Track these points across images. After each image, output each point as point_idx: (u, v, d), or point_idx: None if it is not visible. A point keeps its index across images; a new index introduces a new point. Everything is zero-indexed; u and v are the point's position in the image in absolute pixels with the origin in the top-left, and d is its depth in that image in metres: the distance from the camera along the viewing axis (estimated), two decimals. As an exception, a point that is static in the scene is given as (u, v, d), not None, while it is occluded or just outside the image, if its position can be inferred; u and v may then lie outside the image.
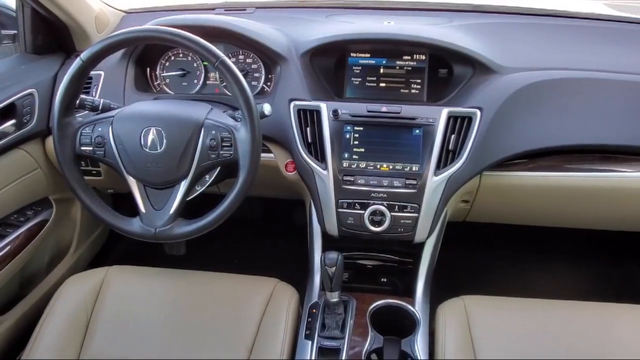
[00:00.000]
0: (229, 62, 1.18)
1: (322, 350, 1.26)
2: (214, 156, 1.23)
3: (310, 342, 1.28)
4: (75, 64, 1.20)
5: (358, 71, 1.53)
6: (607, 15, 1.79)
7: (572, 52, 1.56)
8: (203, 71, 1.61)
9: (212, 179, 1.31)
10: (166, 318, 1.33)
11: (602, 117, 1.41)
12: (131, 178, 1.26)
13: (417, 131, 1.38)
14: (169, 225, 1.24)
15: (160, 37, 1.18)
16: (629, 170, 1.45)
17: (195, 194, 1.31)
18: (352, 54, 1.53)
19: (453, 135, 1.36)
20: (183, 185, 1.25)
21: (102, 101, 1.34)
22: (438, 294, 1.44)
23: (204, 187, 1.31)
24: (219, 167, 1.29)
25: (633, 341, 1.24)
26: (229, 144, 1.22)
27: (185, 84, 1.62)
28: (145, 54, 1.59)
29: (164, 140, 1.22)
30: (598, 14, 1.78)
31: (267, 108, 1.29)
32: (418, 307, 1.41)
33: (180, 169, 1.23)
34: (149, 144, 1.23)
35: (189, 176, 1.24)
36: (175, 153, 1.22)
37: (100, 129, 1.25)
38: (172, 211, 1.24)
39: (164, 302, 1.37)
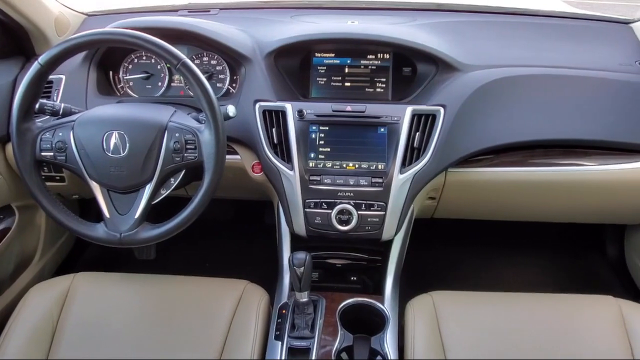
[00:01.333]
0: (191, 64, 1.17)
1: (292, 351, 1.26)
2: (178, 159, 1.22)
3: (280, 343, 1.28)
4: (33, 67, 1.17)
5: (323, 71, 1.53)
6: (566, 13, 1.84)
7: (532, 49, 1.60)
8: (167, 73, 1.59)
9: (177, 182, 1.30)
10: (135, 323, 1.32)
11: (562, 112, 1.44)
12: (94, 183, 1.24)
13: (382, 130, 1.39)
14: (135, 230, 1.23)
15: (120, 40, 1.17)
16: (590, 164, 1.48)
17: (160, 198, 1.29)
18: (316, 54, 1.54)
19: (418, 133, 1.37)
20: (148, 189, 1.23)
21: (62, 105, 1.32)
22: (408, 291, 1.46)
23: (169, 191, 1.30)
24: (184, 170, 1.28)
25: (594, 330, 1.27)
26: (193, 147, 1.21)
27: (150, 86, 1.60)
28: (108, 57, 1.56)
29: (127, 144, 1.21)
30: (557, 11, 1.83)
31: (231, 109, 1.28)
32: (387, 305, 1.41)
33: (144, 173, 1.22)
34: (111, 148, 1.21)
35: (154, 180, 1.23)
36: (138, 157, 1.21)
37: (60, 134, 1.23)
38: (137, 215, 1.23)
39: (133, 308, 1.36)
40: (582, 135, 1.42)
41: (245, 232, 2.33)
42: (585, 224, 1.87)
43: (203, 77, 1.18)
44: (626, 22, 1.72)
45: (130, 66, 1.60)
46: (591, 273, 2.15)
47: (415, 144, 1.37)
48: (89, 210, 2.12)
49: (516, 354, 1.23)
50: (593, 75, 1.48)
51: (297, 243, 1.51)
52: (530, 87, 1.46)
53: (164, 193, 1.29)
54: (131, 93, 1.61)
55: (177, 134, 1.21)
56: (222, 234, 2.35)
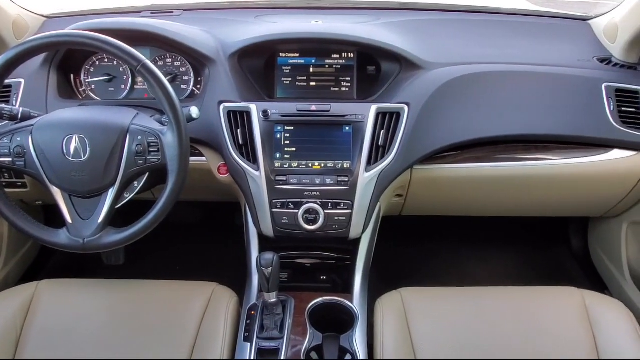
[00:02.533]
0: (152, 65, 1.16)
1: (261, 352, 1.26)
2: (141, 162, 1.21)
3: (249, 344, 1.27)
4: None
5: (288, 71, 1.53)
6: (527, 11, 1.88)
7: (494, 47, 1.62)
8: (130, 76, 1.57)
9: (141, 185, 1.28)
10: (101, 329, 1.30)
11: (523, 108, 1.46)
12: (55, 188, 1.22)
13: (347, 128, 1.40)
14: (98, 235, 1.21)
15: (78, 42, 1.15)
16: (552, 158, 1.51)
17: (124, 202, 1.28)
18: (281, 54, 1.53)
19: (382, 131, 1.38)
20: (111, 193, 1.22)
21: (21, 110, 1.29)
22: (379, 288, 1.46)
23: (132, 194, 1.28)
24: (148, 173, 1.26)
25: (559, 320, 1.30)
26: (156, 149, 1.20)
27: (112, 89, 1.58)
28: (68, 60, 1.54)
29: (88, 148, 1.19)
30: (519, 9, 1.87)
31: (194, 111, 1.27)
32: (356, 303, 1.42)
33: (106, 177, 1.21)
34: (72, 152, 1.19)
35: (117, 184, 1.21)
36: (100, 160, 1.19)
37: (19, 139, 1.21)
38: (100, 220, 1.21)
39: (99, 314, 1.33)
40: (543, 130, 1.45)
41: (216, 235, 2.31)
42: (550, 218, 1.90)
43: (164, 79, 1.16)
44: (584, 19, 1.77)
45: (92, 69, 1.57)
46: (557, 265, 2.19)
47: (381, 142, 1.37)
48: (54, 216, 2.08)
49: (483, 347, 1.25)
50: (553, 71, 1.51)
51: (265, 244, 1.51)
52: (492, 84, 1.48)
53: (128, 197, 1.28)
54: (93, 96, 1.58)
55: (139, 137, 1.20)
56: (193, 237, 2.34)
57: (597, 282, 1.97)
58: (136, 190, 1.28)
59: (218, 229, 2.33)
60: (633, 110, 1.46)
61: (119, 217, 1.29)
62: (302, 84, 1.53)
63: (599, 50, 1.63)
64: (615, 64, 1.57)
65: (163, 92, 1.15)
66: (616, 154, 1.47)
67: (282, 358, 1.24)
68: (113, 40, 1.14)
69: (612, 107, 1.45)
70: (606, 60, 1.58)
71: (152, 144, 1.20)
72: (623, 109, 1.46)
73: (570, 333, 1.27)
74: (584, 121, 1.46)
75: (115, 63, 1.57)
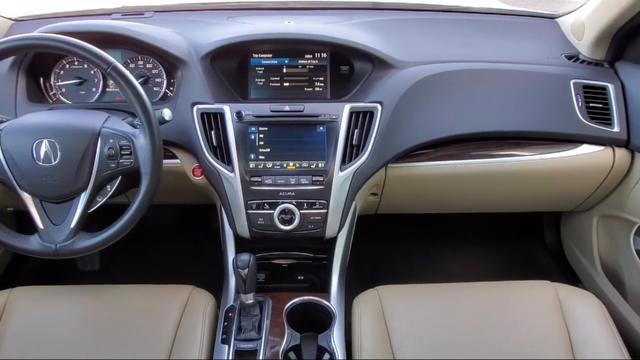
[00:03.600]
0: (122, 67, 1.15)
1: (239, 353, 1.26)
2: (113, 165, 1.20)
3: (226, 346, 1.27)
4: None
5: (261, 72, 1.53)
6: (497, 9, 1.91)
7: (465, 45, 1.64)
8: (101, 79, 1.55)
9: (113, 189, 1.26)
10: (76, 336, 1.28)
11: (494, 105, 1.49)
12: (25, 194, 1.20)
13: (321, 128, 1.40)
14: (71, 240, 1.20)
15: (46, 45, 1.13)
16: (524, 154, 1.54)
17: (97, 206, 1.26)
18: (254, 55, 1.53)
19: (356, 130, 1.39)
20: (83, 198, 1.20)
21: None
22: (356, 287, 1.47)
23: (105, 198, 1.26)
24: (121, 177, 1.25)
25: (533, 313, 1.32)
26: (128, 152, 1.19)
27: (83, 92, 1.56)
28: (38, 63, 1.51)
29: (58, 152, 1.17)
30: (489, 8, 1.89)
31: (167, 113, 1.26)
32: (333, 302, 1.42)
33: (78, 181, 1.19)
34: (42, 156, 1.17)
35: (89, 188, 1.20)
36: (71, 165, 1.18)
37: None
38: (72, 225, 1.20)
39: (73, 321, 1.32)
40: (514, 127, 1.47)
41: (193, 237, 2.30)
42: (524, 213, 1.94)
43: (135, 81, 1.15)
44: (552, 17, 1.80)
45: (61, 72, 1.55)
46: (532, 260, 2.23)
47: (355, 141, 1.38)
48: (27, 222, 2.05)
49: (458, 342, 1.26)
50: (522, 69, 1.54)
51: (242, 245, 1.51)
52: (464, 82, 1.50)
53: (101, 201, 1.26)
54: (64, 100, 1.56)
55: (111, 140, 1.19)
56: (169, 240, 2.32)
57: (570, 275, 2.01)
58: (109, 194, 1.26)
59: (195, 231, 2.32)
60: (600, 105, 1.49)
61: (94, 222, 1.28)
62: (275, 84, 1.53)
63: (567, 47, 1.66)
64: (583, 61, 1.60)
65: (134, 94, 1.15)
66: (585, 149, 1.50)
67: (260, 359, 1.24)
68: (82, 42, 1.13)
69: (580, 103, 1.48)
70: (574, 57, 1.62)
71: (124, 147, 1.19)
72: (591, 104, 1.49)
73: (545, 326, 1.29)
74: (553, 117, 1.48)
75: (85, 66, 1.55)
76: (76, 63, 1.55)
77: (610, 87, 1.50)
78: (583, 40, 1.61)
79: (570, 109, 1.48)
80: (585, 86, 1.50)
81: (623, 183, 1.57)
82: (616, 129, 1.47)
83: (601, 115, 1.48)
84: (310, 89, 1.53)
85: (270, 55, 1.53)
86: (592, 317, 1.31)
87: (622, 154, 1.50)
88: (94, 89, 1.56)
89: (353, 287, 1.52)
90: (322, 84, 1.53)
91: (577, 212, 1.88)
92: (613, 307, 1.65)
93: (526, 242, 2.30)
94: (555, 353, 1.23)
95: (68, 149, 1.18)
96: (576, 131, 1.48)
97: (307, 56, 1.53)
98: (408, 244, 2.28)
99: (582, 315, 1.31)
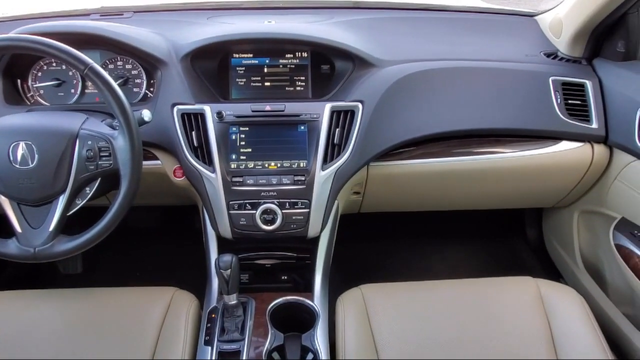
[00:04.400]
0: (99, 68, 1.14)
1: (222, 354, 1.25)
2: (92, 167, 1.18)
3: (209, 348, 1.26)
4: None
5: (242, 72, 1.52)
6: (477, 8, 1.92)
7: (445, 44, 1.65)
8: (80, 80, 1.54)
9: (93, 191, 1.25)
10: (57, 341, 1.26)
11: (474, 103, 1.50)
12: (2, 197, 1.19)
13: (302, 127, 1.40)
14: (50, 243, 1.18)
15: (21, 46, 1.12)
16: (505, 151, 1.55)
17: (76, 208, 1.24)
18: (234, 55, 1.52)
19: (337, 129, 1.39)
20: (62, 200, 1.19)
21: None
22: (341, 286, 1.46)
23: (85, 201, 1.25)
24: (100, 179, 1.24)
25: (515, 309, 1.32)
26: (107, 154, 1.18)
27: (62, 94, 1.54)
28: (14, 65, 1.49)
29: (36, 155, 1.16)
30: (469, 6, 1.91)
31: (146, 114, 1.25)
32: (317, 301, 1.42)
33: (56, 184, 1.18)
34: (19, 159, 1.16)
35: (67, 190, 1.19)
36: (49, 167, 1.17)
37: None
38: (51, 228, 1.18)
39: (55, 325, 1.30)
40: (494, 124, 1.48)
41: (176, 238, 2.29)
42: (507, 209, 1.95)
43: (112, 82, 1.14)
44: (531, 15, 1.82)
45: (39, 73, 1.53)
46: (514, 256, 2.25)
47: (336, 140, 1.38)
48: (5, 226, 2.02)
49: (442, 339, 1.26)
50: (502, 66, 1.55)
51: (224, 246, 1.50)
52: (444, 80, 1.51)
53: (80, 203, 1.24)
54: (42, 102, 1.54)
55: (89, 142, 1.18)
56: (152, 242, 2.30)
57: (552, 271, 2.03)
58: (88, 197, 1.25)
59: (178, 233, 2.30)
60: (579, 102, 1.50)
61: (76, 224, 1.26)
62: (256, 84, 1.52)
63: (546, 45, 1.68)
64: (561, 58, 1.62)
65: (112, 95, 1.13)
66: (564, 145, 1.52)
67: (244, 359, 1.23)
68: (58, 43, 1.12)
69: (559, 100, 1.50)
70: (552, 54, 1.63)
71: (103, 149, 1.18)
72: (569, 101, 1.50)
73: (527, 321, 1.30)
74: (533, 114, 1.50)
75: (64, 67, 1.53)
76: (54, 64, 1.53)
77: (588, 84, 1.52)
78: (561, 37, 1.62)
79: (550, 106, 1.50)
80: (564, 83, 1.52)
81: (602, 179, 1.59)
82: (594, 125, 1.49)
83: (580, 112, 1.50)
84: (292, 89, 1.53)
85: (251, 55, 1.53)
86: (573, 312, 1.32)
87: (600, 150, 1.52)
88: (72, 91, 1.54)
89: (337, 286, 1.52)
90: (303, 84, 1.53)
91: (558, 208, 1.89)
92: (594, 301, 1.67)
93: (509, 239, 2.32)
94: (538, 348, 1.24)
95: (45, 151, 1.16)
96: (555, 128, 1.49)
97: (288, 56, 1.53)
98: (392, 243, 2.29)
99: (563, 310, 1.32)
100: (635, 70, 1.49)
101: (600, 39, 1.58)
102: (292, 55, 1.53)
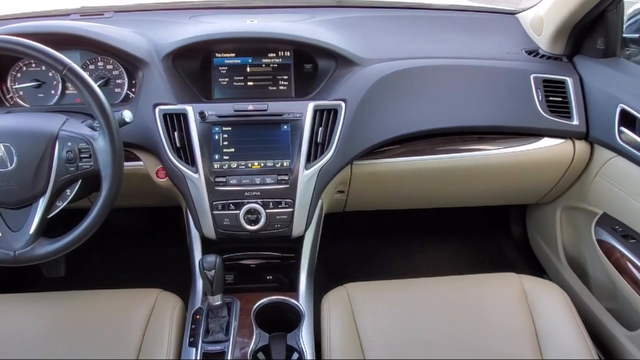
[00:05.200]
0: (78, 69, 1.12)
1: (206, 355, 1.24)
2: (72, 169, 1.17)
3: (194, 349, 1.26)
4: None
5: (225, 71, 1.52)
6: (459, 6, 1.93)
7: (428, 42, 1.66)
8: (60, 81, 1.52)
9: (73, 193, 1.24)
10: (41, 344, 1.25)
11: (456, 101, 1.50)
12: None
13: (285, 127, 1.40)
14: (30, 247, 1.17)
15: None
16: (488, 148, 1.55)
17: (57, 211, 1.23)
18: (217, 55, 1.52)
19: (320, 128, 1.39)
20: (42, 203, 1.17)
21: None
22: (327, 285, 1.46)
23: (65, 203, 1.23)
24: (81, 180, 1.22)
25: (499, 305, 1.33)
26: (87, 155, 1.17)
27: (42, 95, 1.52)
28: (-7, 66, 1.48)
29: (15, 157, 1.15)
30: (450, 4, 1.91)
31: (127, 115, 1.24)
32: (302, 301, 1.42)
33: (36, 186, 1.16)
34: None
35: (47, 192, 1.17)
36: (28, 169, 1.15)
37: None
38: (32, 231, 1.17)
39: (39, 328, 1.28)
40: (477, 121, 1.49)
41: (161, 240, 2.27)
42: (491, 206, 1.96)
43: (92, 82, 1.13)
44: (513, 13, 1.83)
45: (19, 74, 1.51)
46: (499, 253, 2.26)
47: (319, 139, 1.38)
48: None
49: (426, 336, 1.27)
50: (484, 64, 1.56)
51: (209, 246, 1.49)
52: (426, 78, 1.51)
53: (61, 205, 1.23)
54: (22, 103, 1.52)
55: (69, 143, 1.16)
56: (138, 244, 2.28)
57: (536, 267, 2.04)
58: (69, 199, 1.23)
59: (163, 234, 2.29)
60: (560, 99, 1.52)
61: (60, 226, 1.25)
62: (239, 83, 1.52)
63: (527, 42, 1.69)
64: (542, 56, 1.63)
65: (91, 95, 1.12)
66: (546, 142, 1.53)
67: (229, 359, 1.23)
68: (36, 44, 1.11)
69: (540, 97, 1.51)
70: (534, 52, 1.65)
71: (83, 150, 1.17)
72: (550, 98, 1.52)
73: (510, 317, 1.31)
74: (514, 111, 1.51)
75: (43, 68, 1.52)
76: (33, 65, 1.52)
77: (569, 81, 1.53)
78: (542, 35, 1.64)
79: (531, 103, 1.51)
80: (545, 80, 1.53)
81: (584, 175, 1.60)
82: (575, 122, 1.50)
83: (561, 108, 1.51)
84: (275, 88, 1.52)
85: (234, 55, 1.52)
86: (556, 308, 1.33)
87: (582, 146, 1.53)
88: (52, 92, 1.52)
89: (323, 285, 1.51)
90: (287, 83, 1.52)
91: (542, 204, 1.91)
92: (577, 296, 1.68)
93: (494, 236, 2.33)
94: (522, 344, 1.25)
95: (24, 154, 1.15)
96: (537, 125, 1.51)
97: (271, 55, 1.52)
98: (377, 241, 2.29)
99: (546, 306, 1.33)
100: (615, 66, 1.51)
101: (581, 36, 1.59)
102: (274, 55, 1.52)
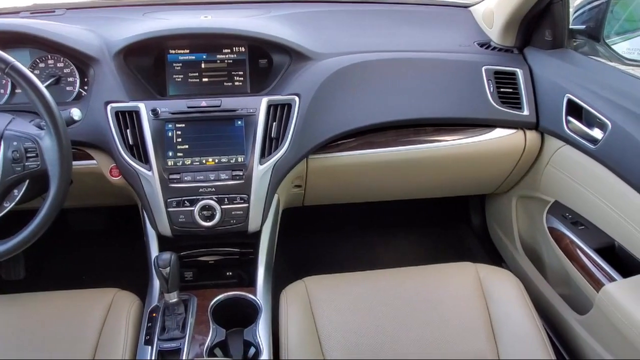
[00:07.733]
0: (21, 67, 1.10)
1: (162, 353, 1.23)
2: (19, 169, 1.15)
3: (149, 347, 1.25)
4: None
5: (179, 68, 1.50)
6: (414, 0, 1.94)
7: (381, 36, 1.67)
8: (9, 79, 1.49)
9: (21, 193, 1.22)
10: None
11: (411, 93, 1.52)
12: None
13: (239, 122, 1.40)
14: None
15: None
16: (442, 140, 1.58)
17: (4, 212, 1.21)
18: (171, 51, 1.50)
19: (274, 123, 1.39)
20: None
21: None
22: (288, 280, 1.47)
23: (13, 204, 1.21)
24: (28, 180, 1.20)
25: (455, 294, 1.36)
26: (34, 154, 1.15)
27: None
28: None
29: None
30: (406, -2, 1.92)
31: (76, 113, 1.23)
32: (259, 295, 1.42)
33: None
34: None
35: None
36: None
37: None
38: None
39: None
40: (430, 114, 1.51)
41: (122, 239, 2.24)
42: (452, 197, 1.99)
43: (36, 80, 1.11)
44: (466, 6, 1.85)
45: None
46: (460, 243, 2.29)
47: (273, 134, 1.38)
48: None
49: (384, 326, 1.29)
50: (437, 57, 1.58)
51: (166, 244, 1.48)
52: (380, 72, 1.53)
53: (8, 206, 1.21)
54: None
55: (15, 143, 1.15)
56: (98, 244, 2.25)
57: (495, 256, 2.08)
58: (17, 199, 1.21)
59: (123, 234, 2.26)
60: (510, 90, 1.55)
61: (16, 228, 1.22)
62: (194, 80, 1.51)
63: (479, 35, 1.72)
64: (494, 48, 1.66)
65: (35, 93, 1.10)
66: (498, 132, 1.56)
67: (184, 358, 1.23)
68: None
69: (491, 88, 1.54)
70: (485, 44, 1.67)
71: (29, 149, 1.15)
72: (502, 89, 1.55)
73: (466, 305, 1.33)
74: (467, 103, 1.53)
75: None
76: None
77: (519, 72, 1.57)
78: (493, 27, 1.66)
79: (483, 95, 1.54)
80: (496, 72, 1.56)
81: (536, 164, 1.64)
82: (526, 112, 1.54)
83: (512, 99, 1.54)
84: (230, 84, 1.52)
85: (188, 51, 1.51)
86: (510, 295, 1.36)
87: (532, 136, 1.57)
88: (2, 91, 1.49)
89: (284, 280, 1.52)
90: (242, 79, 1.52)
91: (498, 194, 1.95)
92: (532, 284, 1.72)
93: (455, 226, 2.37)
94: (477, 331, 1.28)
95: None
96: (489, 116, 1.53)
97: (226, 51, 1.52)
98: (338, 235, 2.30)
99: (500, 293, 1.36)
100: (562, 57, 1.55)
101: (530, 29, 1.63)
102: (229, 50, 1.52)
